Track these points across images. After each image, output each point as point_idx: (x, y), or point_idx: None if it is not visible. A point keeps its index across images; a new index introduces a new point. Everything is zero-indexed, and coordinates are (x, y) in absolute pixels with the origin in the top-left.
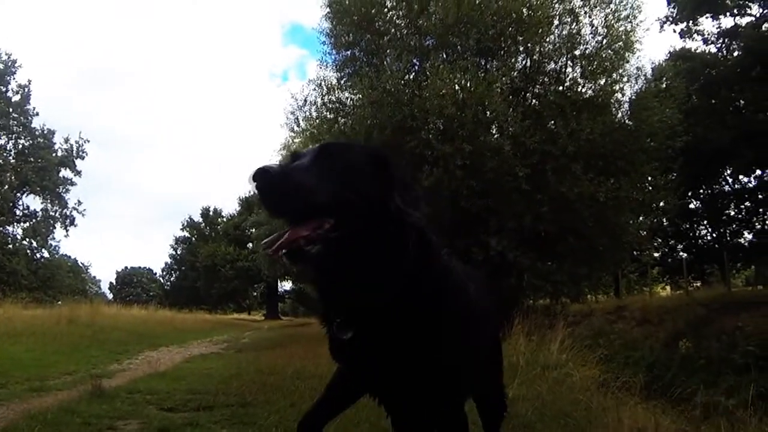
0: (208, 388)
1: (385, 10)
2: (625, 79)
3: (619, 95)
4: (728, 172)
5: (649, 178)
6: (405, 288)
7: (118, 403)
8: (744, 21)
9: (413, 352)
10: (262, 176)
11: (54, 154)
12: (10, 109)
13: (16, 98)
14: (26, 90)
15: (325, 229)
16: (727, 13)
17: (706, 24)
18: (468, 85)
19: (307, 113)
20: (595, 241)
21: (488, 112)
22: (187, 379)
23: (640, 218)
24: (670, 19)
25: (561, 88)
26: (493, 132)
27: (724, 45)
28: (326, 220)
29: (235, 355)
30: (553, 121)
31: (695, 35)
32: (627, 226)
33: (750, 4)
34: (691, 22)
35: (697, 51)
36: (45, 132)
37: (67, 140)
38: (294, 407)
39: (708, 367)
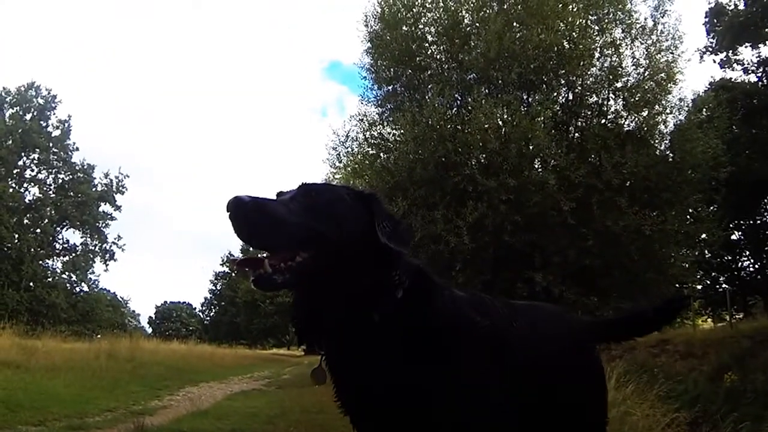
0: (254, 429)
1: (426, 44)
2: (667, 110)
3: (662, 127)
4: None
5: (692, 210)
6: (388, 320)
7: None
8: None
9: (400, 390)
10: (235, 205)
11: (94, 189)
12: (51, 144)
13: (57, 133)
14: (66, 125)
15: (296, 261)
16: (767, 42)
17: (746, 53)
18: (511, 119)
19: (349, 148)
20: (641, 275)
21: (531, 146)
22: (231, 418)
23: (684, 251)
24: (710, 49)
25: (603, 120)
26: (537, 166)
27: (764, 74)
28: (299, 252)
29: (277, 392)
30: (596, 155)
31: (735, 65)
32: (672, 258)
33: None
34: (730, 51)
35: (738, 81)
36: (85, 167)
37: (106, 175)
38: None
39: (755, 401)
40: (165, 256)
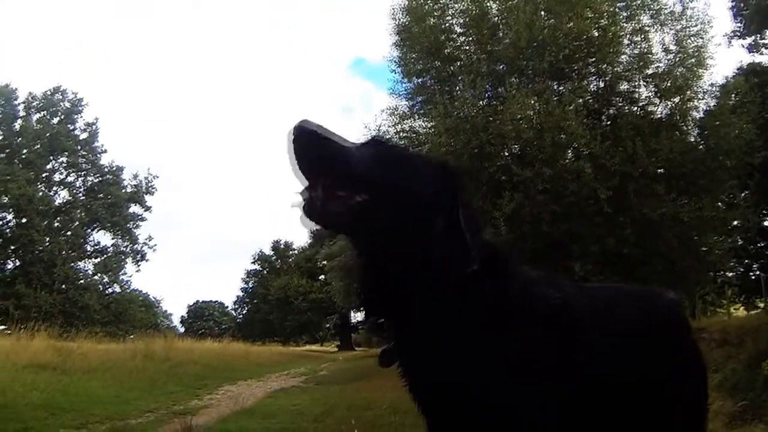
0: (303, 428)
1: (454, 36)
2: (699, 96)
3: (694, 113)
4: None
5: (727, 197)
6: (461, 297)
7: None
8: None
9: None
10: (299, 128)
11: (123, 191)
12: (78, 147)
13: (84, 136)
14: (94, 128)
15: (356, 200)
16: None
17: None
18: (544, 108)
19: None
20: (678, 263)
21: (564, 135)
22: (277, 416)
23: (720, 237)
24: (737, 33)
25: (635, 108)
26: (571, 155)
27: None
28: (360, 193)
29: (318, 389)
30: (631, 142)
31: (763, 49)
32: (709, 246)
33: None
34: (758, 36)
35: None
36: (113, 169)
37: (135, 176)
38: None
39: None
40: (196, 255)
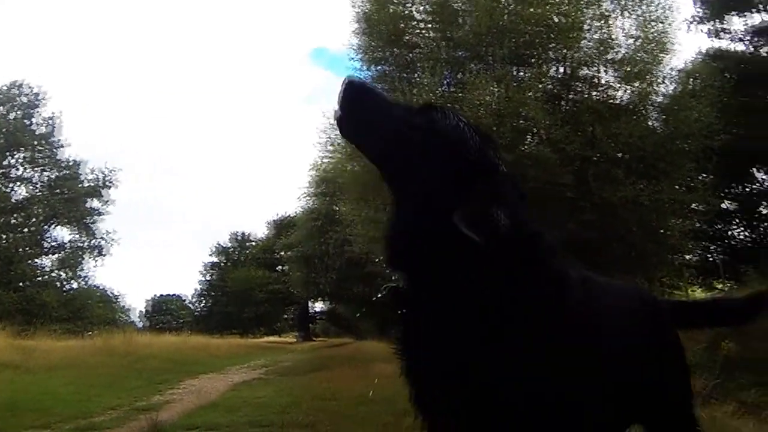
0: (270, 420)
1: (415, 23)
2: (660, 80)
3: (655, 97)
4: (761, 169)
5: (686, 180)
6: (488, 263)
7: None
8: None
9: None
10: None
11: (81, 185)
12: (36, 142)
13: (42, 131)
14: (53, 122)
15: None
16: (755, 10)
17: (734, 22)
18: (505, 93)
19: None
20: (639, 246)
21: (524, 121)
22: (242, 410)
23: (679, 220)
24: (698, 18)
25: (596, 93)
26: (531, 140)
27: (752, 42)
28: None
29: (281, 380)
30: (591, 126)
31: (723, 34)
32: (670, 229)
33: None
34: (718, 21)
35: (728, 49)
36: (72, 163)
37: (93, 171)
38: None
39: (753, 368)
40: (156, 249)
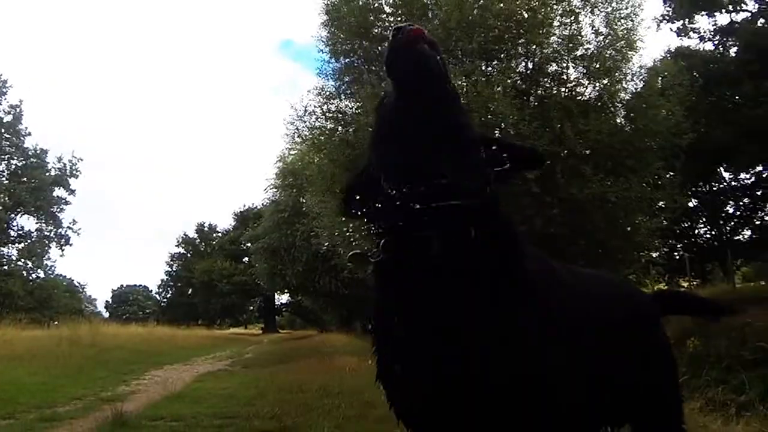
0: (235, 411)
1: (383, 15)
2: (628, 78)
3: (623, 94)
4: (727, 168)
5: (653, 178)
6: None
7: None
8: (740, 17)
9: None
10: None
11: (47, 174)
12: (2, 130)
13: (8, 119)
14: (18, 110)
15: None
16: (723, 10)
17: (702, 21)
18: (473, 88)
19: (307, 123)
20: (606, 243)
21: (491, 116)
22: (207, 401)
23: (645, 218)
24: (666, 17)
25: (564, 89)
26: (498, 135)
27: (720, 42)
28: None
29: (246, 372)
30: (559, 123)
31: (692, 33)
32: (637, 226)
33: (746, 0)
34: (687, 20)
35: (696, 49)
36: (38, 152)
37: (60, 159)
38: (341, 430)
39: (718, 365)
40: (120, 239)
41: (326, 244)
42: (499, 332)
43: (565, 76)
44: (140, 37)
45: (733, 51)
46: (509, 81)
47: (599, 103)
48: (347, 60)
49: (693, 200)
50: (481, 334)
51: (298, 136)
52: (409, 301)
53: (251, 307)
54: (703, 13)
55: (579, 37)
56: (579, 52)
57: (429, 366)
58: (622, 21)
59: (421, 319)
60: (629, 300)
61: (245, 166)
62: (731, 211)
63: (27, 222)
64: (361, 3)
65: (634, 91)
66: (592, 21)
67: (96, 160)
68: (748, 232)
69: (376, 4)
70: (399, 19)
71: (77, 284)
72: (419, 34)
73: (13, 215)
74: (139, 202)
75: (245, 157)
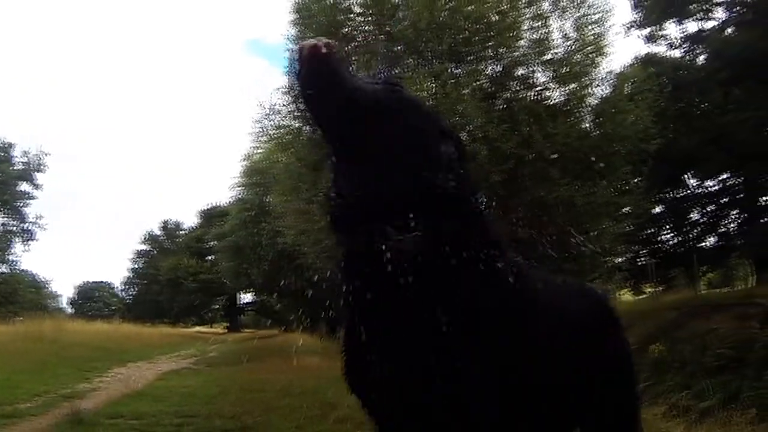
0: (196, 410)
1: (353, 15)
2: (596, 83)
3: (591, 99)
4: (694, 175)
5: (620, 183)
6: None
7: (100, 430)
8: (709, 25)
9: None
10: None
11: (12, 168)
12: None
13: None
14: None
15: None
16: (692, 18)
17: (672, 29)
18: (441, 90)
19: (274, 121)
20: (573, 247)
21: (459, 118)
22: (169, 399)
23: (612, 223)
24: (636, 24)
25: (532, 93)
26: (465, 138)
27: (689, 50)
28: None
29: (209, 371)
30: (528, 126)
31: (661, 40)
32: (602, 231)
33: (715, 8)
34: (656, 27)
35: (665, 56)
36: (4, 145)
37: (26, 153)
38: (302, 430)
39: (682, 371)
40: (86, 235)
41: (290, 243)
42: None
43: (533, 80)
44: (108, 33)
45: (701, 59)
46: (477, 83)
47: (567, 108)
48: None
49: (659, 206)
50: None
51: (264, 135)
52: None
53: (216, 306)
54: (673, 20)
55: (548, 41)
56: (548, 56)
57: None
58: (592, 26)
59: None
60: (594, 309)
61: (211, 163)
62: (697, 218)
63: None
64: (331, 2)
65: (602, 96)
66: (561, 25)
67: (63, 155)
68: (712, 239)
69: (346, 4)
70: (369, 18)
71: (42, 280)
72: (315, 53)
73: None
74: (105, 198)
75: (211, 154)
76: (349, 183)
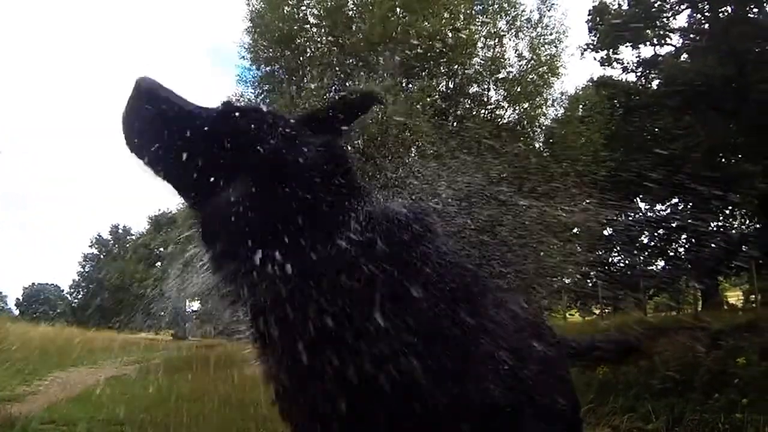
0: (130, 418)
1: (307, 26)
2: (549, 103)
3: (543, 119)
4: (643, 199)
5: (569, 204)
6: None
7: None
8: (664, 50)
9: None
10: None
11: None
12: None
13: None
14: None
15: None
16: (647, 43)
17: (626, 53)
18: (391, 104)
19: None
20: (519, 266)
21: (410, 133)
22: (105, 405)
23: (559, 244)
24: (591, 46)
25: (484, 111)
26: (415, 153)
27: (643, 74)
28: None
29: (149, 378)
30: (477, 144)
31: (615, 63)
32: (551, 251)
33: (670, 34)
34: (611, 50)
35: (619, 79)
36: None
37: None
38: None
39: (627, 393)
40: (34, 235)
41: None
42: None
43: (486, 98)
44: (66, 37)
45: (655, 83)
46: (429, 99)
47: (519, 127)
48: (268, 68)
49: (608, 229)
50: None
51: None
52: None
53: (162, 313)
54: (628, 44)
55: (502, 60)
56: (501, 75)
57: None
58: (546, 47)
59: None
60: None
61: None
62: (646, 241)
63: None
64: (286, 11)
65: (554, 116)
66: (516, 45)
67: (14, 154)
68: (661, 263)
69: (301, 14)
70: (324, 30)
71: None
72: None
73: None
74: (56, 199)
75: None
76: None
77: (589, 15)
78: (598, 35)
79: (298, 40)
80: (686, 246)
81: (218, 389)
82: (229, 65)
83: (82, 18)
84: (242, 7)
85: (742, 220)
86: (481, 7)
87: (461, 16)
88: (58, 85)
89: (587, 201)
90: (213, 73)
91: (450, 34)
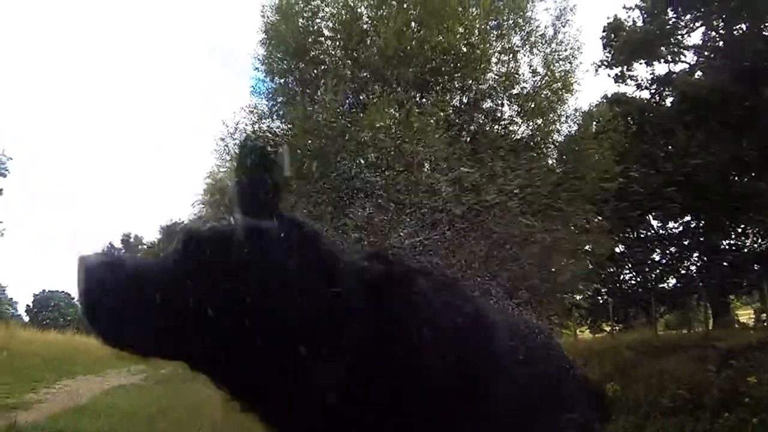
0: (134, 429)
1: (322, 39)
2: (562, 119)
3: (556, 135)
4: (655, 216)
5: (581, 221)
6: None
7: None
8: (678, 68)
9: None
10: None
11: None
12: None
13: None
14: None
15: None
16: (661, 60)
17: (640, 70)
18: (405, 118)
19: (238, 140)
20: (531, 283)
21: (421, 148)
22: (110, 416)
23: (571, 261)
24: (605, 63)
25: (497, 126)
26: (428, 168)
27: (656, 91)
28: None
29: (156, 388)
30: (490, 159)
31: (629, 80)
32: (563, 268)
33: (684, 51)
34: (625, 67)
35: (633, 96)
36: None
37: None
38: None
39: (636, 411)
40: (47, 243)
41: None
42: None
43: (499, 113)
44: (75, 41)
45: (669, 101)
46: (443, 114)
47: (532, 143)
48: (282, 80)
49: (620, 246)
50: None
51: (227, 153)
52: None
53: None
54: (642, 61)
55: (516, 76)
56: (515, 91)
57: None
58: (561, 63)
59: None
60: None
61: (176, 179)
62: (657, 258)
63: None
64: (301, 24)
65: (567, 133)
66: (531, 60)
67: (26, 159)
68: (672, 281)
69: (316, 27)
70: (338, 43)
71: None
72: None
73: None
74: (67, 206)
75: (176, 170)
76: None
77: (603, 32)
78: (612, 52)
79: (313, 53)
80: (698, 264)
81: (226, 400)
82: (236, 66)
83: (85, 19)
84: (256, 18)
85: (754, 238)
86: (495, 23)
87: (476, 31)
88: (70, 88)
89: (598, 218)
90: (222, 75)
91: (464, 49)
